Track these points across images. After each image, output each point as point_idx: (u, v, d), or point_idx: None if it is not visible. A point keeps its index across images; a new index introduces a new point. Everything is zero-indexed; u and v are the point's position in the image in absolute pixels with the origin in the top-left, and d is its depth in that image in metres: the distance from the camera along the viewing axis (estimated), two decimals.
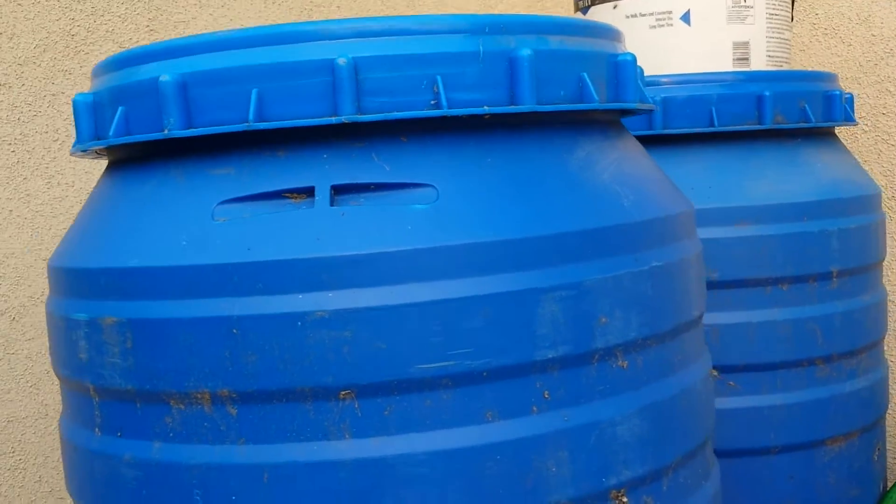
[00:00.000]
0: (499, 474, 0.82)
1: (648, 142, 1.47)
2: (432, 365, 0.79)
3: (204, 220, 0.83)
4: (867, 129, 2.09)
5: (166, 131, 0.84)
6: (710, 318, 1.43)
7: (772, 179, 1.46)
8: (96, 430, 0.89)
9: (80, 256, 0.90)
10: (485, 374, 0.81)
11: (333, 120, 0.80)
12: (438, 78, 0.82)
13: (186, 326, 0.80)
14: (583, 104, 0.89)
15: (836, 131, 2.06)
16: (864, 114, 2.07)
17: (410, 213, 0.81)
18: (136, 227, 0.86)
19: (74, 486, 0.95)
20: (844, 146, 1.66)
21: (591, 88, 0.90)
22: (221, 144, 0.85)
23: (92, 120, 0.93)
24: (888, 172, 2.04)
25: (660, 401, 0.91)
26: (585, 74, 0.90)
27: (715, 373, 1.45)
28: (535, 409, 0.83)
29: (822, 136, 1.58)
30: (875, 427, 1.58)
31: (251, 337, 0.79)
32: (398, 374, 0.79)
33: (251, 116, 0.81)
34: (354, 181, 0.82)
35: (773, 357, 1.44)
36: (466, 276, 0.80)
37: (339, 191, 0.82)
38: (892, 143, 2.04)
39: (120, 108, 0.89)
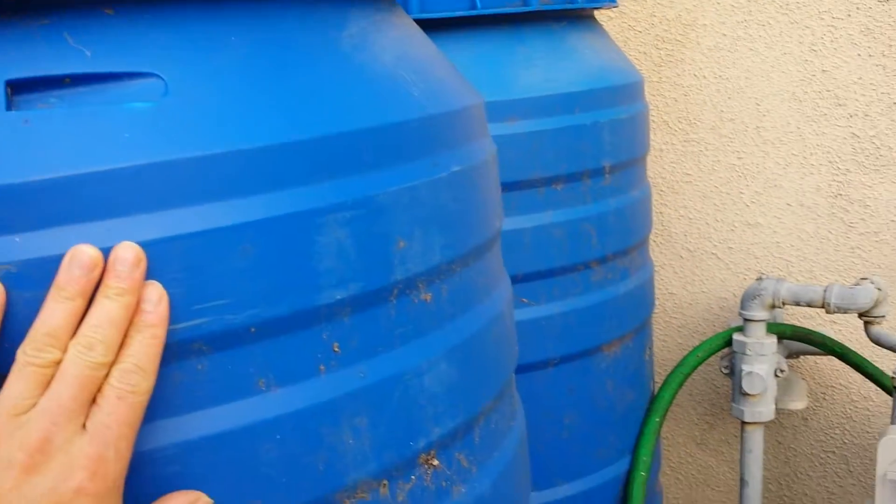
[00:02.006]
0: (280, 458, 0.62)
1: None
2: (177, 326, 0.57)
3: None
4: (613, 14, 2.00)
5: None
6: None
7: (541, 68, 1.32)
8: None
9: None
10: (252, 330, 0.60)
11: None
12: None
13: None
14: None
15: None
16: None
17: (127, 114, 0.57)
18: None
19: None
20: (604, 30, 1.54)
21: None
22: None
23: None
24: (636, 60, 1.97)
25: (468, 337, 0.74)
26: None
27: None
28: (322, 368, 0.63)
29: (585, 19, 1.45)
30: (645, 327, 1.51)
31: None
32: None
33: None
34: (41, 73, 0.56)
35: (549, 264, 1.32)
36: (215, 200, 0.57)
37: (18, 88, 0.56)
38: (639, 29, 1.96)
39: None
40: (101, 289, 0.54)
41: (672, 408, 2.07)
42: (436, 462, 0.71)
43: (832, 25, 1.75)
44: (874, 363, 1.63)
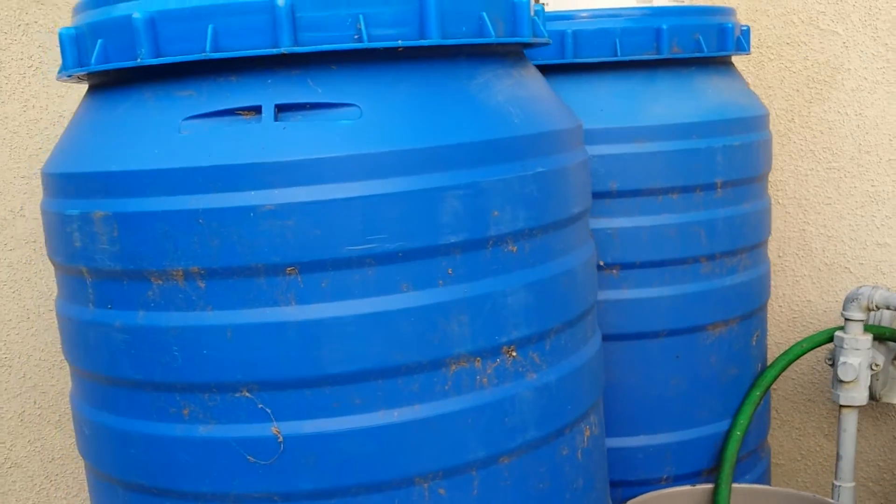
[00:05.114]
0: (412, 332, 1.05)
1: (561, 70, 1.68)
2: (357, 247, 1.01)
3: (172, 133, 1.03)
4: (773, 57, 2.30)
5: (139, 59, 1.04)
6: (610, 223, 1.67)
7: (666, 103, 1.68)
8: (90, 305, 1.10)
9: (71, 163, 1.10)
10: (400, 254, 1.03)
11: (274, 51, 1.00)
12: (361, 16, 1.02)
13: (162, 218, 1.01)
14: (481, 38, 1.10)
15: (737, 60, 2.28)
16: (770, 43, 2.29)
17: (339, 127, 1.02)
18: (117, 139, 1.07)
19: (71, 352, 1.16)
20: (738, 73, 1.88)
21: (489, 25, 1.10)
22: (185, 71, 1.05)
23: (75, 50, 1.12)
24: (789, 97, 2.27)
25: (544, 278, 1.14)
26: (485, 13, 1.11)
27: (615, 271, 1.68)
28: (441, 282, 1.06)
29: (716, 64, 1.79)
30: (753, 316, 1.83)
31: (214, 225, 1.00)
32: (331, 254, 1.01)
33: (208, 48, 1.01)
34: (294, 101, 1.02)
35: (662, 255, 1.68)
36: (381, 178, 1.01)
37: (281, 109, 1.03)
38: (794, 70, 2.26)
39: (99, 41, 1.08)
40: None
41: (804, 402, 2.34)
42: (514, 354, 1.12)
43: None
44: None
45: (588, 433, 1.24)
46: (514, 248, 1.11)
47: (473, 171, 1.06)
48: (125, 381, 1.09)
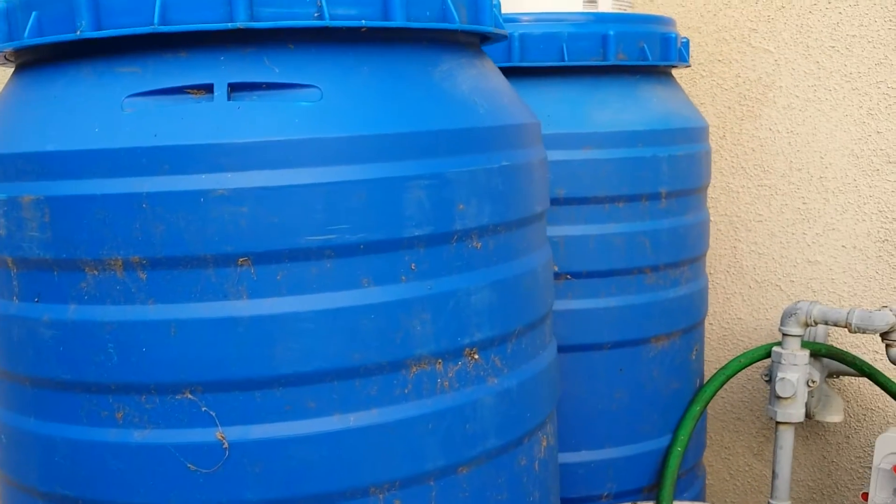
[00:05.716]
0: (372, 330, 0.98)
1: (508, 73, 1.63)
2: (317, 237, 0.94)
3: (114, 111, 0.94)
4: (705, 74, 2.31)
5: (79, 32, 0.95)
6: (557, 231, 1.62)
7: (613, 110, 1.65)
8: (14, 298, 1.00)
9: None
10: (361, 246, 0.96)
11: (229, 25, 0.93)
12: None
13: (101, 202, 0.93)
14: (445, 23, 1.04)
15: (676, 74, 2.28)
16: (702, 60, 2.30)
17: (298, 108, 0.95)
18: (51, 118, 0.97)
19: None
20: (679, 85, 1.86)
21: (453, 11, 1.05)
22: (129, 45, 0.96)
23: (6, 24, 1.02)
24: (721, 114, 2.28)
25: (507, 278, 1.08)
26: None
27: (562, 280, 1.64)
28: (403, 278, 0.99)
29: (659, 74, 1.77)
30: (693, 330, 1.81)
31: (159, 211, 0.92)
32: (288, 244, 0.93)
33: (156, 20, 0.93)
34: (249, 80, 0.95)
35: (609, 265, 1.64)
36: (344, 164, 0.95)
37: (235, 88, 0.95)
38: (726, 87, 2.27)
39: (34, 13, 0.99)
40: None
41: (733, 421, 2.33)
42: (476, 357, 1.06)
43: (886, 94, 2.02)
44: None
45: (545, 443, 1.19)
46: (479, 245, 1.05)
47: (439, 160, 1.00)
48: (51, 381, 0.99)
